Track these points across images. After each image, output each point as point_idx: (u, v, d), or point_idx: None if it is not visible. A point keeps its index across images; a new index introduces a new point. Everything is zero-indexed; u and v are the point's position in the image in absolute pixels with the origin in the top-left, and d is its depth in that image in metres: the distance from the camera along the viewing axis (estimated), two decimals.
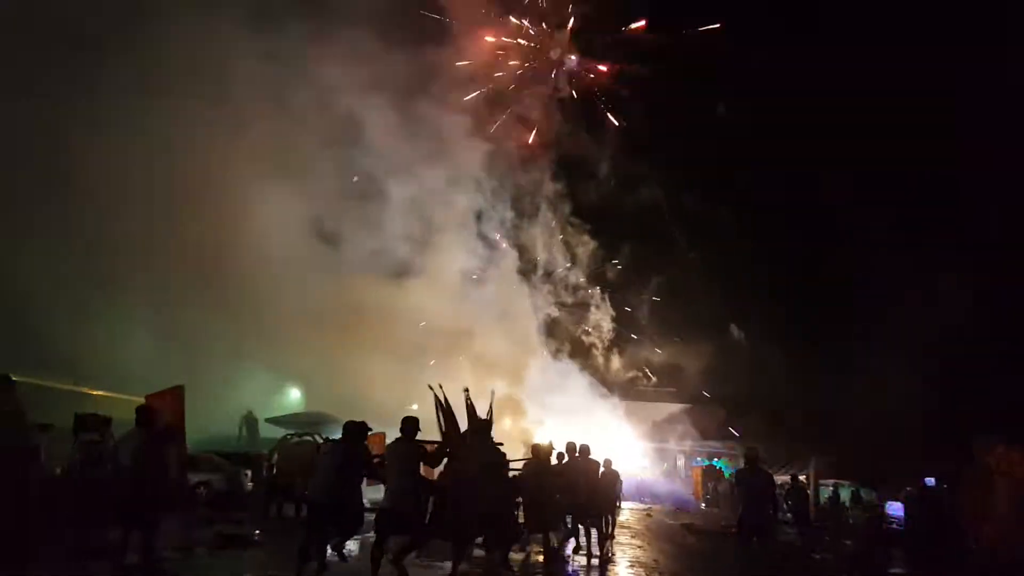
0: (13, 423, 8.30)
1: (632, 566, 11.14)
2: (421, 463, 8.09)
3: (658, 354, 33.70)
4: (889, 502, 19.66)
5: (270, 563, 9.17)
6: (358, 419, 8.24)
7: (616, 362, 32.72)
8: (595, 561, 10.78)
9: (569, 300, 31.64)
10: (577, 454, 11.17)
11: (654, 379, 34.52)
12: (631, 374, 33.60)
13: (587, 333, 32.10)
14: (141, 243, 23.04)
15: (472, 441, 8.51)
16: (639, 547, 13.76)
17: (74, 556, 8.98)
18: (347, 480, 7.73)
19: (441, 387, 8.96)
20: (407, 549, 7.71)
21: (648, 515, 22.36)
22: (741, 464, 13.77)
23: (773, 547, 10.43)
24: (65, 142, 20.78)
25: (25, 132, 20.40)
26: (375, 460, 8.18)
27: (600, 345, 32.11)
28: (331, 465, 7.74)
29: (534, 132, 30.08)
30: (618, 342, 32.64)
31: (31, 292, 20.44)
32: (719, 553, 13.66)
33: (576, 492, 10.49)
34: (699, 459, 32.59)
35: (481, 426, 8.63)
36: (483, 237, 29.18)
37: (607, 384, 31.60)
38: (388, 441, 9.38)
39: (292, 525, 14.41)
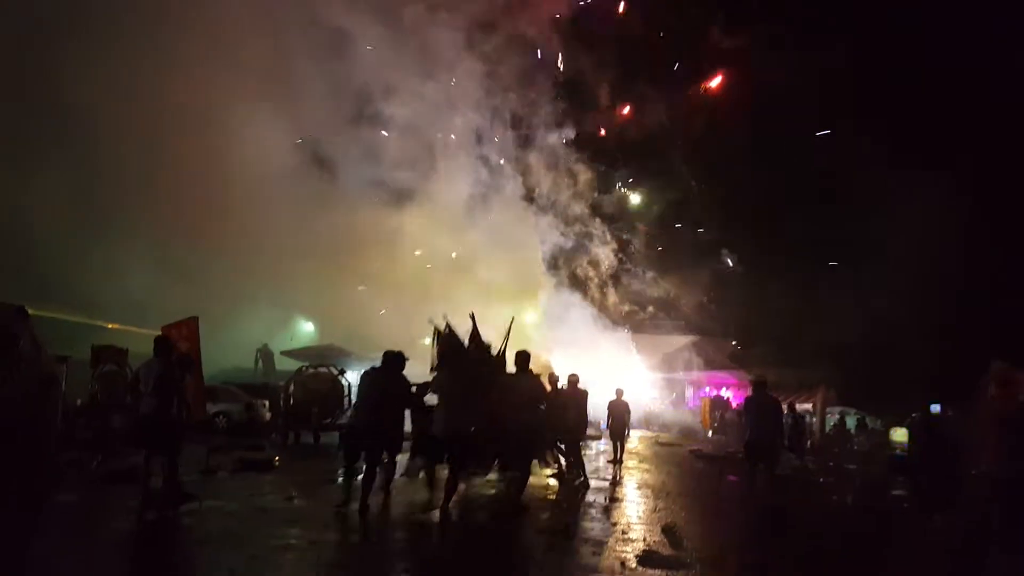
0: (30, 352, 8.46)
1: (639, 487, 11.44)
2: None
3: (663, 287, 33.65)
4: (894, 429, 19.91)
5: (289, 485, 9.46)
6: (371, 352, 8.41)
7: (619, 295, 32.63)
8: (595, 483, 11.06)
9: (572, 231, 31.32)
10: (563, 385, 11.45)
11: (650, 308, 34.38)
12: (632, 308, 33.49)
13: (589, 266, 31.88)
14: (151, 178, 23.01)
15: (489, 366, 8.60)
16: (646, 471, 14.10)
17: (98, 481, 9.31)
18: (390, 407, 7.96)
19: (445, 316, 8.92)
20: (451, 494, 7.88)
21: (656, 442, 22.81)
22: (749, 393, 13.94)
23: (777, 471, 10.59)
24: (65, 75, 20.51)
25: (23, 66, 20.16)
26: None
27: (602, 277, 31.94)
28: (375, 392, 7.96)
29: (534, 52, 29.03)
30: (622, 273, 32.49)
31: (46, 229, 20.56)
32: (724, 476, 13.99)
33: (564, 421, 10.70)
34: (706, 389, 32.98)
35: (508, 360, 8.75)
36: (484, 159, 28.65)
37: (612, 316, 31.69)
38: None
39: (309, 452, 14.86)
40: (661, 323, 35.02)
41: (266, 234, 24.91)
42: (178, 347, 9.33)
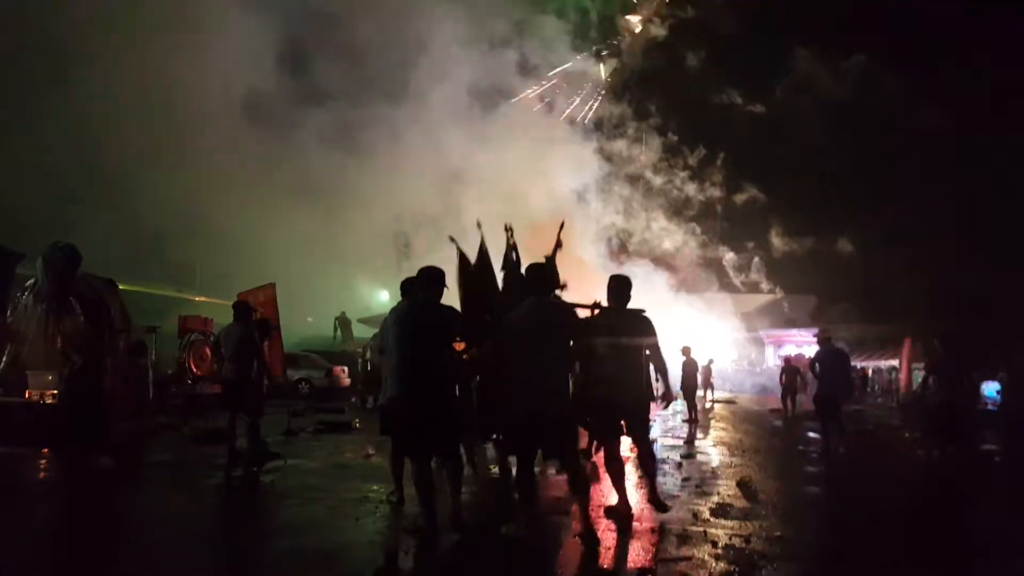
0: (120, 322, 8.94)
1: (715, 445, 11.29)
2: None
3: (744, 245, 32.71)
4: (985, 383, 18.99)
5: (366, 445, 9.74)
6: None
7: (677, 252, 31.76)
8: (668, 441, 10.93)
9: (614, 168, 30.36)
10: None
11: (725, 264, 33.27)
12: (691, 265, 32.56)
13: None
14: (230, 159, 23.72)
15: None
16: (722, 429, 13.90)
17: (188, 442, 9.82)
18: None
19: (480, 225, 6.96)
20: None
21: (732, 402, 22.46)
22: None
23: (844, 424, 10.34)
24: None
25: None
26: None
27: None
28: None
29: None
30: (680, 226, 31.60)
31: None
32: (803, 433, 13.64)
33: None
34: (787, 347, 32.18)
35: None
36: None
37: (683, 274, 31.05)
38: None
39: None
40: (741, 282, 34.10)
41: (345, 209, 25.44)
42: (256, 312, 9.66)
